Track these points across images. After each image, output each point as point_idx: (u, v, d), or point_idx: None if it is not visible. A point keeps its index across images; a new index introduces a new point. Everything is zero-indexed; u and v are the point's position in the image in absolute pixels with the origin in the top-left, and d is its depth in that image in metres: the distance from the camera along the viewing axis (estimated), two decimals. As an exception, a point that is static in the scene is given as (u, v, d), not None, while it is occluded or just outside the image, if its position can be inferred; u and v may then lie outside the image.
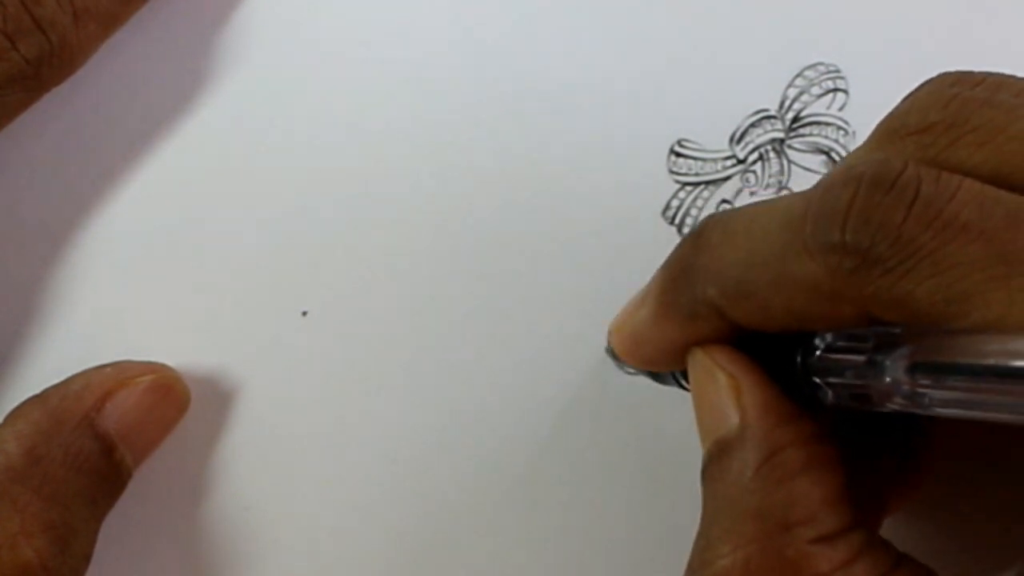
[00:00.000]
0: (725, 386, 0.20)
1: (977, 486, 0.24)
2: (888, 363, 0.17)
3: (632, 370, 0.26)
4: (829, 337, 0.19)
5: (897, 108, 0.20)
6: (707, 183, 0.28)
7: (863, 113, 0.28)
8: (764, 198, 0.28)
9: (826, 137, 0.28)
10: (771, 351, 0.20)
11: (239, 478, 0.27)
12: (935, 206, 0.17)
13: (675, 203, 0.28)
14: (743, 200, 0.28)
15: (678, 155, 0.28)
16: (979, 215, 0.17)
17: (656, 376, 0.25)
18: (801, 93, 0.28)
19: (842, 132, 0.28)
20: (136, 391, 0.25)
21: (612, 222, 0.28)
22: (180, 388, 0.26)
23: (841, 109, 0.28)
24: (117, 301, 0.27)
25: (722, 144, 0.28)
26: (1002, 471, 0.24)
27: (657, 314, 0.22)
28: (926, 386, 0.17)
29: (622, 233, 0.28)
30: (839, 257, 0.17)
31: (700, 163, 0.28)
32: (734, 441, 0.20)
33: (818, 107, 0.28)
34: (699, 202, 0.28)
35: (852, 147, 0.28)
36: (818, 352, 0.20)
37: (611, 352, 0.26)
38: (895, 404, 0.18)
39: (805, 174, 0.28)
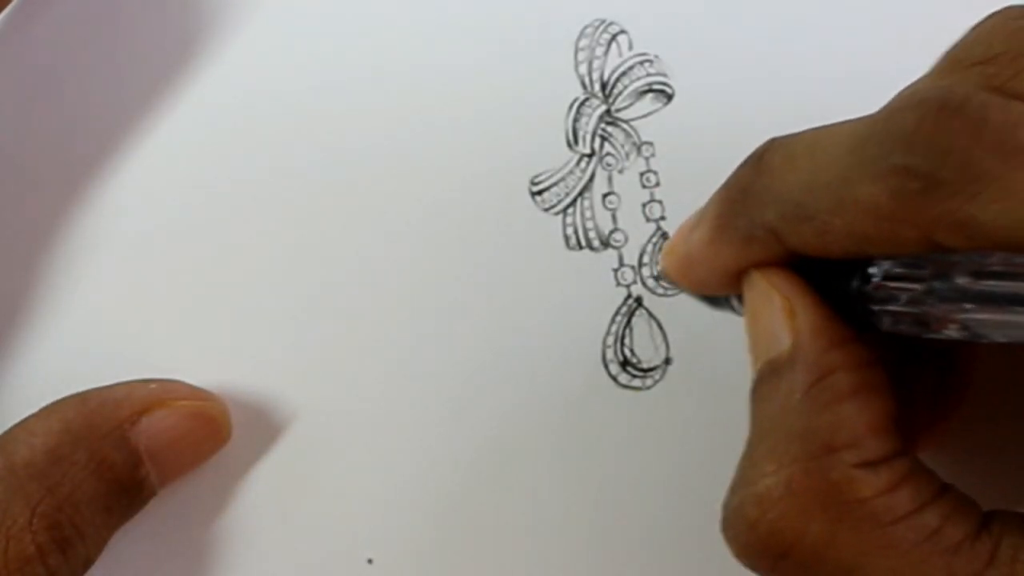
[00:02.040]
0: (779, 308, 0.20)
1: (1018, 415, 0.24)
2: (946, 289, 0.18)
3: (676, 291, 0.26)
4: (886, 264, 0.19)
5: (961, 40, 0.20)
6: (580, 193, 0.28)
7: (651, 39, 0.28)
8: (631, 167, 0.28)
9: (639, 79, 0.28)
10: (827, 278, 0.20)
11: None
12: (1003, 131, 0.17)
13: (569, 231, 0.28)
14: (623, 184, 0.28)
15: (539, 193, 0.28)
16: None
17: (710, 300, 0.24)
18: (590, 61, 0.28)
19: (648, 64, 0.28)
20: (175, 413, 0.26)
21: (531, 280, 0.28)
22: (222, 421, 0.27)
23: (631, 47, 0.28)
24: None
25: (566, 153, 0.28)
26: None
27: (712, 237, 0.21)
28: (984, 313, 0.17)
29: (549, 280, 0.28)
30: (904, 180, 0.17)
31: (562, 184, 0.28)
32: (785, 362, 0.20)
33: (612, 61, 0.28)
34: (587, 212, 0.28)
35: (664, 70, 0.28)
36: (874, 279, 0.19)
37: (663, 275, 0.26)
38: (951, 331, 0.18)
39: (650, 121, 0.28)
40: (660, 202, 0.28)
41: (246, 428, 0.27)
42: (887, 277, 0.19)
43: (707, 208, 0.22)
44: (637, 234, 0.28)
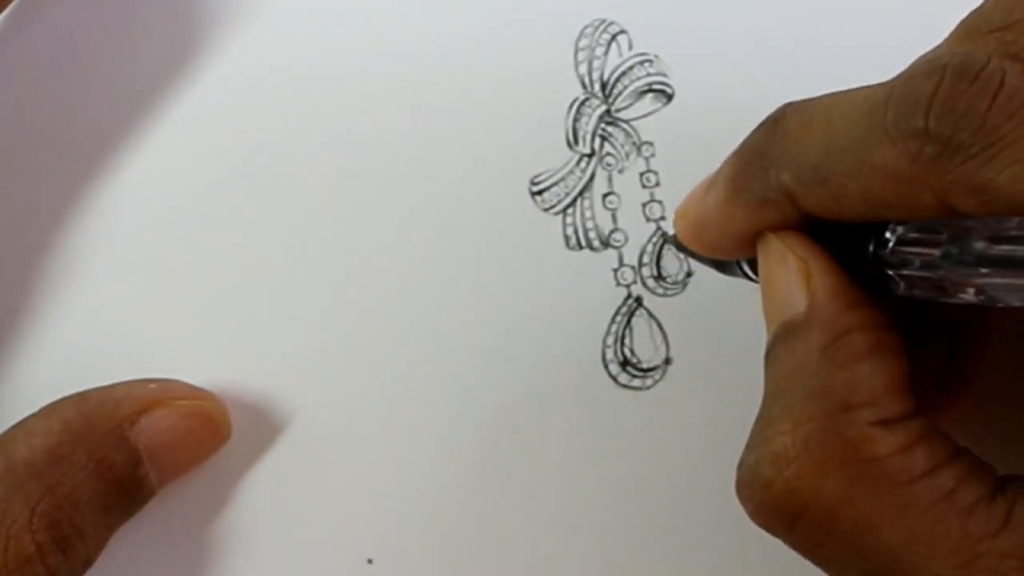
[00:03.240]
0: (795, 270, 0.20)
1: None
2: (962, 254, 0.17)
3: (692, 259, 0.26)
4: (901, 229, 0.19)
5: (980, 7, 0.20)
6: (580, 193, 0.28)
7: (651, 39, 0.28)
8: (631, 167, 0.28)
9: (639, 79, 0.28)
10: (842, 242, 0.20)
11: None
12: (1020, 97, 0.17)
13: (570, 231, 0.28)
14: (623, 184, 0.28)
15: (539, 192, 0.28)
16: None
17: (720, 265, 0.24)
18: (590, 61, 0.28)
19: (647, 63, 0.28)
20: (174, 412, 0.26)
21: (532, 280, 0.28)
22: (221, 420, 0.27)
23: (631, 47, 0.28)
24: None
25: (566, 153, 0.28)
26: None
27: (726, 199, 0.21)
28: (1000, 277, 0.17)
29: (549, 281, 0.28)
30: (921, 143, 0.17)
31: (562, 183, 0.28)
32: (801, 324, 0.20)
33: (612, 61, 0.28)
34: (587, 212, 0.28)
35: (664, 70, 0.28)
36: (890, 243, 0.19)
37: (675, 240, 0.25)
38: (968, 296, 0.18)
39: (650, 121, 0.28)
40: (660, 202, 0.28)
41: (246, 427, 0.27)
42: (903, 242, 0.19)
43: (721, 171, 0.22)
44: (637, 234, 0.28)
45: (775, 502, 0.19)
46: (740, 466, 0.20)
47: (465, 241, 0.28)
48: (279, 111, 0.28)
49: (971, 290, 0.18)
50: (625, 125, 0.28)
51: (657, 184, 0.28)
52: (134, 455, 0.25)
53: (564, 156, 0.28)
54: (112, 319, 0.27)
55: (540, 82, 0.28)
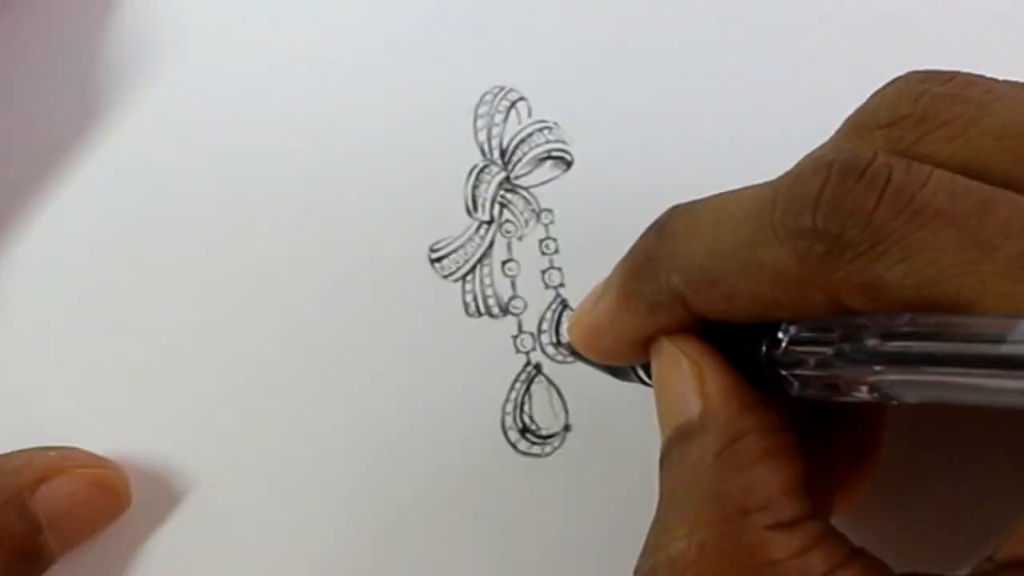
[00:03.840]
0: (688, 374, 0.20)
1: (928, 476, 0.24)
2: (855, 352, 0.17)
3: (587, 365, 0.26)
4: (793, 328, 0.19)
5: (866, 104, 0.20)
6: (479, 260, 0.28)
7: (550, 106, 0.28)
8: (530, 234, 0.28)
9: (538, 146, 0.28)
10: (734, 343, 0.20)
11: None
12: (907, 193, 0.17)
13: (468, 298, 0.28)
14: (522, 251, 0.28)
15: (438, 260, 0.28)
16: (950, 203, 0.17)
17: (615, 371, 0.25)
18: (490, 128, 0.28)
19: (547, 131, 0.28)
20: (74, 481, 0.26)
21: (430, 347, 0.28)
22: (121, 488, 0.27)
23: (530, 114, 0.28)
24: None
25: (465, 220, 0.28)
26: (954, 460, 0.24)
27: (618, 305, 0.21)
28: (893, 374, 0.17)
29: (448, 348, 0.28)
30: (809, 242, 0.17)
31: (461, 251, 0.28)
32: (695, 428, 0.20)
33: (511, 128, 0.28)
34: (486, 280, 0.28)
35: (563, 136, 0.28)
36: (783, 343, 0.19)
37: (569, 348, 0.25)
38: (862, 394, 0.18)
39: (549, 188, 0.28)
40: (559, 269, 0.28)
41: (146, 495, 0.27)
42: (795, 341, 0.19)
43: (612, 277, 0.22)
44: (536, 301, 0.28)
45: None
46: (636, 572, 0.20)
47: (364, 308, 0.28)
48: (177, 179, 0.28)
49: (865, 388, 0.18)
50: (524, 192, 0.28)
51: (556, 251, 0.28)
52: (34, 523, 0.25)
53: (463, 223, 0.28)
54: (9, 386, 0.27)
55: (439, 148, 0.28)
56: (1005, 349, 0.15)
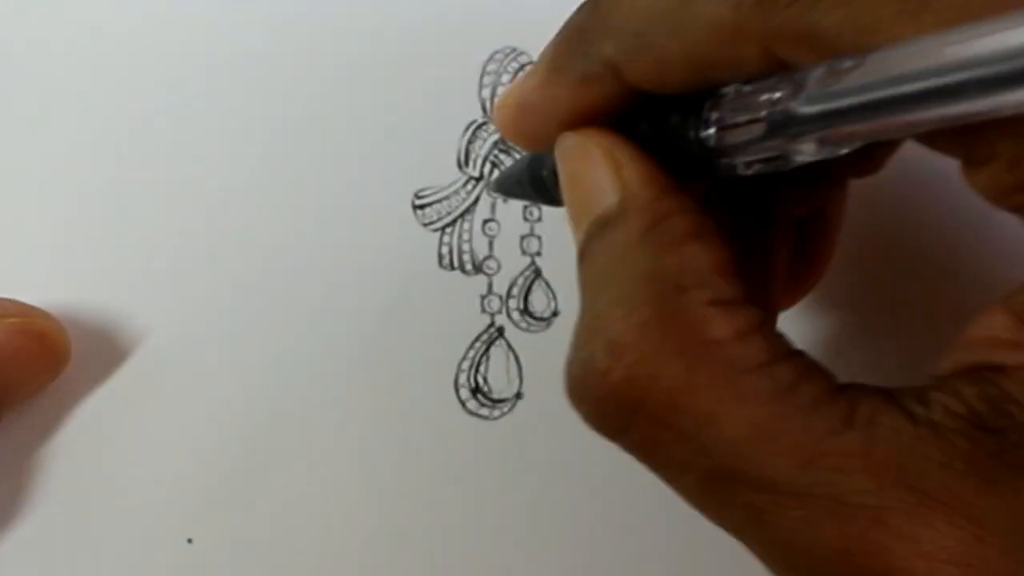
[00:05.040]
0: (602, 162, 0.19)
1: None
2: (794, 105, 0.16)
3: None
4: (733, 89, 0.18)
5: None
6: (462, 214, 0.28)
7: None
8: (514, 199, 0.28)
9: (540, 113, 0.28)
10: (663, 127, 0.19)
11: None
12: None
13: (445, 250, 0.28)
14: (505, 213, 0.28)
15: (421, 207, 0.28)
16: None
17: (541, 190, 0.23)
18: (495, 86, 0.28)
19: (551, 99, 0.28)
20: (4, 330, 0.25)
21: (399, 292, 0.27)
22: (59, 341, 0.26)
23: (538, 80, 0.28)
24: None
25: (454, 173, 0.28)
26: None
27: (548, 79, 0.20)
28: (825, 113, 0.16)
29: (416, 296, 0.28)
30: None
31: (445, 202, 0.28)
32: (616, 214, 0.19)
33: (517, 91, 0.28)
34: (465, 235, 0.28)
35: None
36: (715, 114, 0.18)
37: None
38: (808, 146, 0.17)
39: (542, 155, 0.28)
40: (539, 237, 0.28)
41: (87, 352, 0.27)
42: (722, 117, 0.18)
43: (542, 53, 0.21)
44: (510, 265, 0.28)
45: (612, 395, 0.18)
46: (570, 365, 0.18)
47: (339, 241, 0.27)
48: (160, 114, 0.28)
49: (811, 141, 0.17)
50: (517, 155, 0.28)
51: (539, 219, 0.28)
52: None
53: (452, 175, 0.28)
54: None
55: (441, 97, 0.28)
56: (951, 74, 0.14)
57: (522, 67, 0.28)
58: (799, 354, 0.18)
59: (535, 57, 0.28)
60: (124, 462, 0.27)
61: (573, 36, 0.20)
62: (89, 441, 0.27)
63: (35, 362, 0.26)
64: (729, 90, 0.18)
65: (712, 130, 0.18)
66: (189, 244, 0.27)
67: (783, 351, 0.17)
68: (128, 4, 0.28)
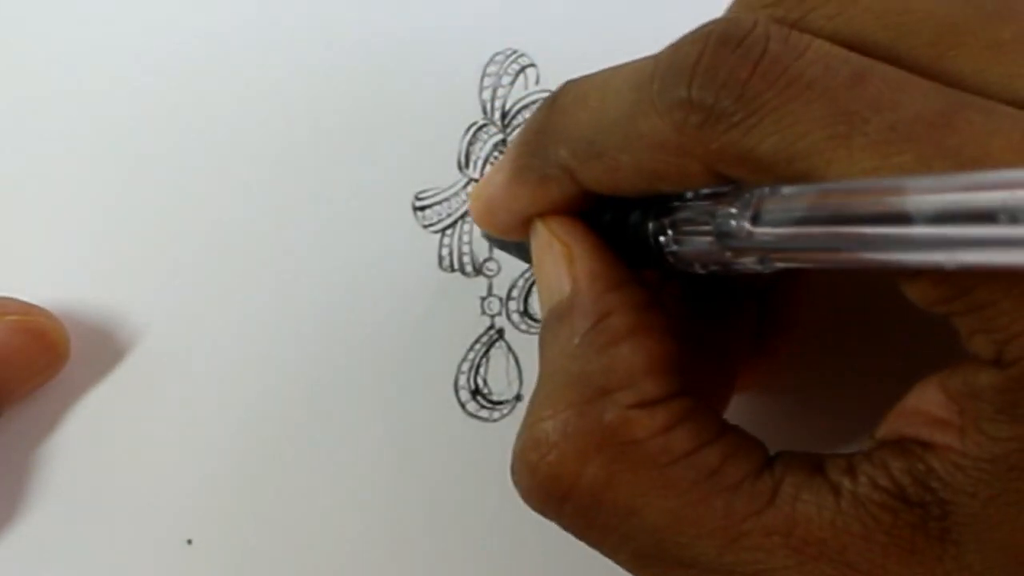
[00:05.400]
0: (559, 255, 0.20)
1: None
2: (737, 223, 0.17)
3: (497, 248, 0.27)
4: (689, 195, 0.19)
5: None
6: (462, 216, 0.28)
7: (559, 77, 0.28)
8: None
9: (540, 114, 0.28)
10: (624, 221, 0.20)
11: None
12: (781, 63, 0.17)
13: (445, 252, 0.28)
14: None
15: (421, 208, 0.28)
16: (824, 73, 0.16)
17: (519, 250, 0.24)
18: (495, 88, 0.28)
19: (552, 101, 0.28)
20: (4, 328, 0.25)
21: (398, 293, 0.27)
22: (58, 339, 0.26)
23: (537, 82, 0.28)
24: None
25: (455, 174, 0.28)
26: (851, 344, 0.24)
27: (510, 178, 0.21)
28: (767, 237, 0.17)
29: (415, 297, 0.28)
30: (685, 113, 0.17)
31: (445, 204, 0.28)
32: (565, 309, 0.20)
33: (517, 92, 0.28)
34: (465, 237, 0.28)
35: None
36: (667, 228, 0.20)
37: (485, 233, 0.25)
38: (749, 260, 0.18)
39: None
40: (539, 239, 0.28)
41: (87, 349, 0.27)
42: (677, 222, 0.19)
43: (506, 152, 0.22)
44: (510, 267, 0.28)
45: (541, 487, 0.19)
46: (513, 452, 0.20)
47: (339, 239, 0.27)
48: (158, 107, 0.28)
49: (748, 257, 0.17)
50: (518, 158, 0.28)
51: (539, 222, 0.28)
52: None
53: (453, 177, 0.28)
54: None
55: (441, 99, 0.28)
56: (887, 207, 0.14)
57: (522, 69, 0.28)
58: (729, 431, 0.19)
59: (535, 59, 0.28)
60: (123, 460, 0.27)
61: (531, 139, 0.21)
62: (88, 439, 0.27)
63: (34, 360, 0.26)
64: (687, 196, 0.19)
65: (669, 233, 0.19)
66: (189, 244, 0.27)
67: (710, 435, 0.18)
68: (128, 4, 0.28)
